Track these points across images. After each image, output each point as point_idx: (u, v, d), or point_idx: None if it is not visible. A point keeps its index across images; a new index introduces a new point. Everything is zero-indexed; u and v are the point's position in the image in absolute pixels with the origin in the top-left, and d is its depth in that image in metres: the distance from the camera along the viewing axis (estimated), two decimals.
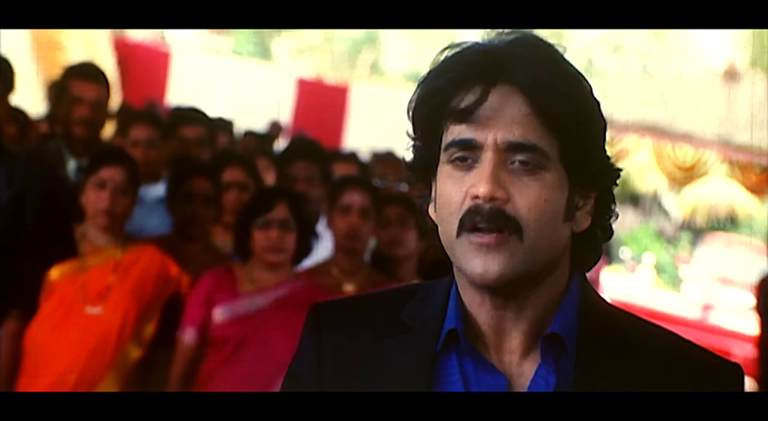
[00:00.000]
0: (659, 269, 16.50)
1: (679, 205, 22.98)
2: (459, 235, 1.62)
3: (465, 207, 1.62)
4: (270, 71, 21.21)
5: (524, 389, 1.65)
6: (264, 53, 25.71)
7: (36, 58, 12.29)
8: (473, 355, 1.67)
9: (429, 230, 5.03)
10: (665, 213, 24.26)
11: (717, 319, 13.39)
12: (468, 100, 1.63)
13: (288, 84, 17.65)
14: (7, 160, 4.66)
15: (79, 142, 5.08)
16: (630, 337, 1.68)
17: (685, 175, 12.30)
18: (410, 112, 1.72)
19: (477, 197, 1.61)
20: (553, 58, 1.66)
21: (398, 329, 1.72)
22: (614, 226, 1.70)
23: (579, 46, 27.15)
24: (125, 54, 15.66)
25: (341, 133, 16.93)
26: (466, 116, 1.64)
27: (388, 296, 1.81)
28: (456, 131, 1.64)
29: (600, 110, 1.69)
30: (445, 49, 1.70)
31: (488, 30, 1.69)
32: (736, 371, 1.68)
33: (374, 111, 17.37)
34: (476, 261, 1.61)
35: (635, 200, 23.42)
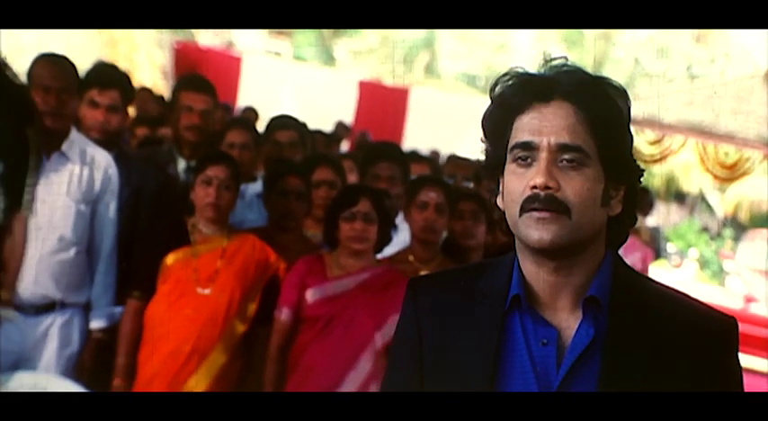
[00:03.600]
0: (703, 264, 16.15)
1: (723, 202, 22.70)
2: (521, 215, 1.97)
3: (525, 195, 1.96)
4: (330, 74, 21.02)
5: (570, 339, 1.97)
6: (323, 57, 25.54)
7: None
8: (532, 313, 2.01)
9: (496, 224, 5.21)
10: (710, 210, 23.99)
11: (759, 310, 13.23)
12: (528, 113, 2.00)
13: (349, 86, 17.46)
14: (125, 162, 5.00)
15: (188, 145, 5.33)
16: (649, 297, 2.03)
17: (728, 173, 12.21)
18: (483, 124, 2.07)
19: (535, 187, 1.94)
20: (594, 81, 2.02)
21: (476, 295, 2.07)
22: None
23: (626, 49, 26.97)
24: (198, 58, 15.62)
25: (401, 134, 16.77)
26: (527, 125, 1.99)
27: (468, 270, 2.18)
28: (519, 136, 1.99)
29: (629, 122, 2.04)
30: (506, 73, 2.05)
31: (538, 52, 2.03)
32: (730, 321, 2.03)
33: (431, 113, 17.41)
34: (534, 231, 1.95)
35: (680, 197, 23.04)
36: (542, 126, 1.98)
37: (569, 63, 2.05)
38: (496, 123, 2.05)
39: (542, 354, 1.99)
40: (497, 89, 2.06)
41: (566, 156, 1.97)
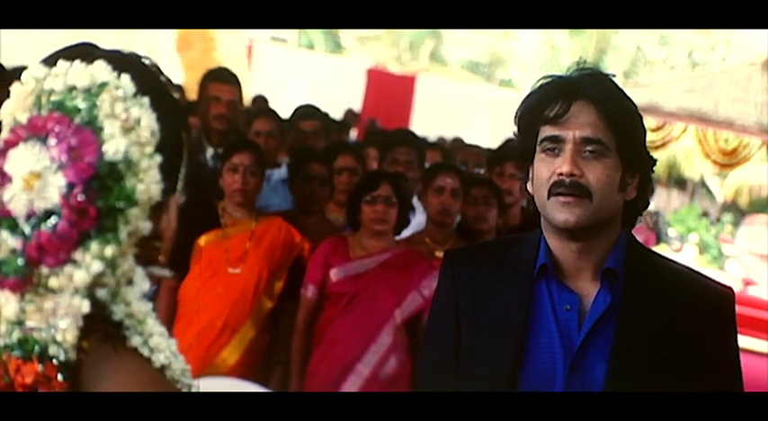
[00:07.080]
0: (703, 248, 15.99)
1: (722, 188, 22.68)
2: (549, 198, 2.19)
3: (552, 180, 2.18)
4: (338, 62, 21.01)
5: (590, 305, 2.21)
6: (329, 43, 25.47)
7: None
8: (557, 281, 2.25)
9: (507, 208, 5.49)
10: (710, 195, 23.87)
11: (757, 293, 13.47)
12: (556, 110, 2.22)
13: (357, 74, 17.45)
14: None
15: (216, 134, 5.50)
16: (658, 269, 2.27)
17: (728, 160, 12.41)
18: (516, 120, 2.30)
19: (561, 174, 2.17)
20: (612, 84, 2.26)
21: (507, 264, 2.30)
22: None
23: (628, 36, 27.00)
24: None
25: (408, 120, 16.79)
26: (554, 120, 2.21)
27: (497, 243, 2.41)
28: (547, 131, 2.22)
29: (642, 120, 2.29)
30: (540, 79, 2.30)
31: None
32: (728, 290, 2.28)
33: (437, 100, 17.49)
34: (560, 213, 2.18)
35: (681, 183, 23.00)
36: (568, 121, 2.21)
37: (594, 68, 2.29)
38: (528, 119, 2.28)
39: (566, 318, 2.22)
40: (530, 89, 2.30)
41: (588, 148, 2.21)
